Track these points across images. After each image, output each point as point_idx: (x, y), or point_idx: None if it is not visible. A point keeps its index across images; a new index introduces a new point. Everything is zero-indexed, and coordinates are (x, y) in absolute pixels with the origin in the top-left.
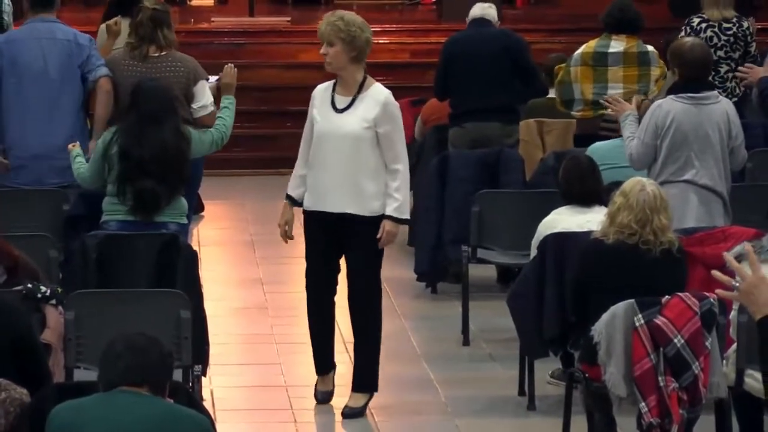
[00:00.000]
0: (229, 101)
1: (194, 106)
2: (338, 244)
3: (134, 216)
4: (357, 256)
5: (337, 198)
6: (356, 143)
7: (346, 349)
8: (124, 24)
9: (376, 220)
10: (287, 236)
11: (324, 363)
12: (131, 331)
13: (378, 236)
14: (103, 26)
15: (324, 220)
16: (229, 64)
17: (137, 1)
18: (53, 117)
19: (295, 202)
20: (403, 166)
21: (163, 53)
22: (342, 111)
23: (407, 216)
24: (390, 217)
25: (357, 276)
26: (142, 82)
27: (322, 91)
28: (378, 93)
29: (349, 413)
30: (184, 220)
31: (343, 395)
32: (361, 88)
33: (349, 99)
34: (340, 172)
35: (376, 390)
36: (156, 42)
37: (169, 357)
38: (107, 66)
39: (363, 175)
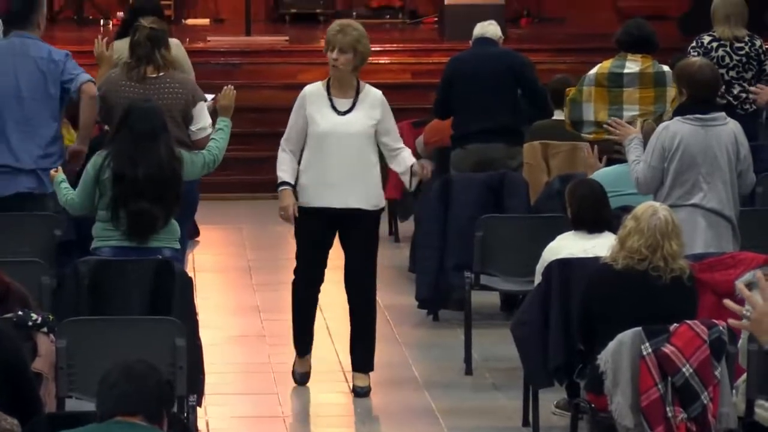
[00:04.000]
0: (224, 123)
1: (193, 128)
2: (332, 238)
3: (129, 240)
4: (362, 247)
5: (344, 194)
6: (361, 142)
7: (345, 378)
8: (122, 45)
9: (377, 214)
10: (292, 217)
11: (306, 345)
12: (126, 359)
13: (418, 170)
14: (114, 44)
15: (327, 216)
16: (229, 86)
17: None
18: (25, 133)
19: (294, 188)
20: (408, 150)
21: (161, 74)
22: (345, 113)
23: None
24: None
25: (363, 266)
26: (134, 103)
27: (315, 92)
28: (375, 93)
29: (362, 392)
30: (178, 245)
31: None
32: (358, 90)
33: (350, 101)
34: (346, 170)
35: (372, 369)
36: (154, 62)
37: (168, 386)
38: (105, 87)
39: (366, 171)
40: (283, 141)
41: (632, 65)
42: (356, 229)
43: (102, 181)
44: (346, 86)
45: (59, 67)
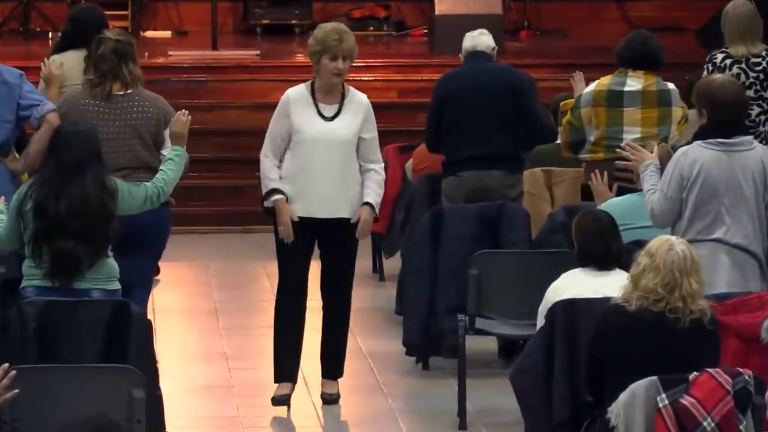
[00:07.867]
0: (176, 153)
1: (164, 152)
2: (313, 245)
3: (51, 281)
4: (343, 254)
5: (329, 203)
6: (346, 149)
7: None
8: (72, 60)
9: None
10: (292, 235)
11: (289, 372)
12: (85, 413)
13: (354, 221)
14: (56, 58)
15: (311, 225)
16: (183, 111)
17: (93, 32)
18: None
19: (286, 196)
20: (381, 167)
21: (129, 91)
22: (331, 119)
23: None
24: (369, 204)
25: (341, 272)
26: (62, 126)
27: (299, 97)
28: (360, 99)
29: (331, 399)
30: (114, 286)
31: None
32: (344, 95)
33: (336, 107)
34: (331, 178)
35: (342, 375)
36: (120, 78)
37: None
38: (63, 108)
39: (350, 179)
40: (265, 149)
41: (634, 82)
42: (341, 237)
43: (24, 212)
44: (334, 92)
45: (15, 91)
